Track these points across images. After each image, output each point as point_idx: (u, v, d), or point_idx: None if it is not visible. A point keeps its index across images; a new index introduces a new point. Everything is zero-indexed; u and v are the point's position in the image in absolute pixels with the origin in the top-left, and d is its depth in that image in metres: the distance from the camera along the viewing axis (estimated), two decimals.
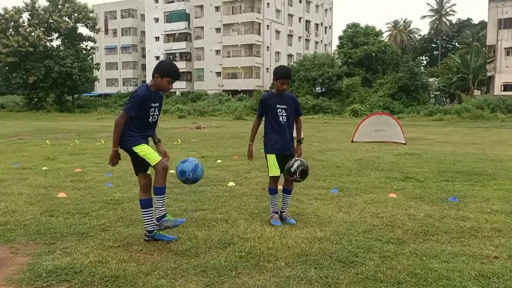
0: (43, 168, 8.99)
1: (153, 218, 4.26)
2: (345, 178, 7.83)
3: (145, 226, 4.30)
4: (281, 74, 4.78)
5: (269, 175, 4.87)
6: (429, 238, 4.37)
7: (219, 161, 10.18)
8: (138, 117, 4.08)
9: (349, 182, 7.42)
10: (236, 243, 4.18)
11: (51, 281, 3.31)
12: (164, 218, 4.13)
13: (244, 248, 4.03)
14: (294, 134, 4.96)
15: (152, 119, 4.21)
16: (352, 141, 15.16)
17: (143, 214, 4.31)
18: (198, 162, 4.36)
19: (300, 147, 4.96)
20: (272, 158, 4.82)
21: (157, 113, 4.27)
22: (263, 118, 4.93)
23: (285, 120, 4.80)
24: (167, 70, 4.14)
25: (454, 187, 6.97)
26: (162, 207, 4.15)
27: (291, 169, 4.64)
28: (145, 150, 4.12)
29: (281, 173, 4.86)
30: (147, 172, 4.32)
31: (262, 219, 5.06)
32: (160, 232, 4.31)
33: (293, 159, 4.73)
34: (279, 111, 4.78)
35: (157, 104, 4.22)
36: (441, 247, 4.08)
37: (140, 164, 4.24)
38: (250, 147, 5.00)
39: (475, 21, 77.02)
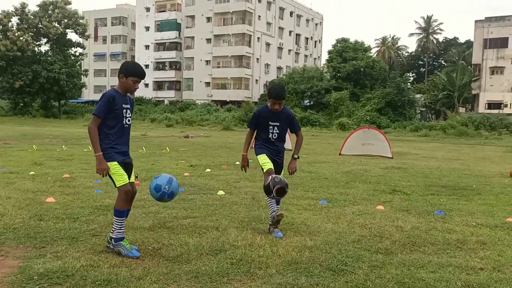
0: (31, 173, 8.92)
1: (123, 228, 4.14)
2: (334, 189, 7.91)
3: (112, 233, 4.12)
4: (273, 94, 4.77)
5: (264, 171, 4.76)
6: (417, 249, 4.46)
7: (208, 170, 10.21)
8: (111, 118, 4.00)
9: (337, 193, 7.50)
10: (227, 250, 4.22)
11: (43, 284, 3.30)
12: (121, 242, 4.02)
13: (235, 255, 4.06)
14: (288, 146, 5.00)
15: (126, 121, 4.12)
16: (340, 154, 15.30)
17: (115, 222, 4.11)
18: (172, 176, 4.20)
19: (294, 162, 4.92)
20: (263, 157, 4.81)
21: (130, 115, 4.17)
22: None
23: (275, 137, 4.83)
24: (131, 69, 4.09)
25: (440, 200, 7.10)
26: (120, 229, 4.04)
27: (269, 187, 4.51)
28: (115, 169, 3.99)
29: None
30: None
31: (253, 227, 5.10)
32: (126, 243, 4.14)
33: (273, 176, 4.57)
34: (271, 128, 4.81)
35: (128, 106, 4.13)
36: (428, 258, 4.16)
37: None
38: (244, 156, 4.97)
39: (461, 40, 78.60)
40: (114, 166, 4.00)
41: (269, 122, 4.80)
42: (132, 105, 4.23)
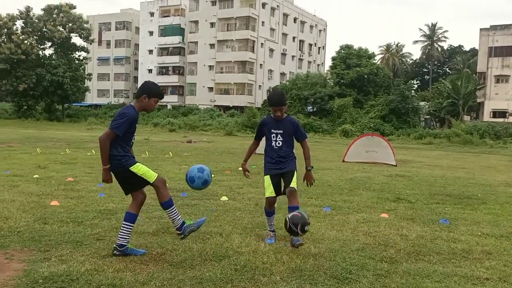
0: (35, 176, 8.94)
1: (130, 234, 4.20)
2: (337, 197, 7.89)
3: (119, 239, 4.14)
4: (273, 101, 4.77)
5: (265, 196, 4.84)
6: (421, 258, 4.44)
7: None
8: (123, 137, 4.09)
9: (341, 201, 7.48)
10: (231, 256, 4.21)
11: (48, 287, 3.29)
12: (185, 225, 4.16)
13: (239, 261, 4.05)
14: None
15: (132, 139, 4.27)
16: (343, 161, 15.28)
17: (122, 226, 4.17)
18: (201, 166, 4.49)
19: (309, 174, 4.84)
20: (267, 179, 4.79)
21: (134, 135, 4.33)
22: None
23: (278, 145, 4.77)
24: (155, 90, 4.21)
25: (445, 209, 7.07)
26: (178, 215, 4.17)
27: (292, 228, 4.25)
28: (142, 169, 4.11)
29: (277, 194, 4.79)
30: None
31: (256, 234, 5.09)
32: (131, 246, 4.22)
33: (288, 218, 4.30)
34: (273, 136, 4.78)
35: (136, 124, 4.28)
36: (433, 267, 4.14)
37: (135, 183, 4.16)
38: (243, 165, 5.06)
39: (466, 48, 78.51)
40: (140, 167, 4.11)
41: (272, 130, 4.79)
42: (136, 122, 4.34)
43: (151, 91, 4.17)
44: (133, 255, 4.11)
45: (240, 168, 11.49)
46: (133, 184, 4.18)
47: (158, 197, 4.15)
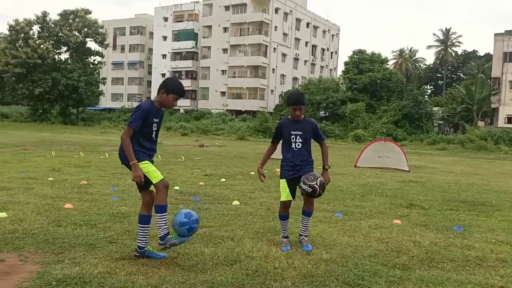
0: (49, 179, 9.05)
1: (147, 235, 4.24)
2: (349, 202, 7.85)
3: (138, 241, 4.24)
4: (293, 100, 4.72)
5: (280, 199, 4.81)
6: (435, 265, 4.39)
7: (223, 179, 10.22)
8: (141, 131, 4.10)
9: (353, 206, 7.44)
10: (242, 261, 4.20)
11: None
12: (168, 236, 4.07)
13: (251, 266, 4.05)
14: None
15: (153, 134, 4.24)
16: (356, 166, 15.20)
17: (139, 229, 4.26)
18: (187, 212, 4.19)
19: (326, 173, 4.82)
20: (283, 183, 4.75)
21: (156, 128, 4.28)
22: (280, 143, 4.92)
23: (298, 147, 4.72)
24: (173, 86, 4.19)
25: (459, 216, 6.98)
26: (165, 225, 4.08)
27: (314, 188, 4.51)
28: (148, 168, 4.12)
29: (293, 198, 4.81)
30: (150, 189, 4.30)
31: (268, 238, 5.08)
32: (151, 249, 4.27)
33: (304, 181, 4.54)
34: (293, 138, 4.72)
35: (157, 120, 4.25)
36: (447, 274, 4.09)
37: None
38: (259, 169, 4.99)
39: (481, 53, 77.80)
40: (146, 165, 4.10)
41: (291, 132, 4.72)
42: (161, 118, 4.34)
43: (169, 87, 4.16)
44: (150, 258, 4.15)
45: (252, 173, 11.56)
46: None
47: (155, 198, 4.14)
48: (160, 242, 4.11)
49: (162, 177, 4.14)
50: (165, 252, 4.29)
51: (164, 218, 4.09)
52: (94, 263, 3.92)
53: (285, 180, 4.75)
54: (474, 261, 4.55)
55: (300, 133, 4.73)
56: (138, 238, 4.24)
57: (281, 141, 4.88)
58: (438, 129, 48.19)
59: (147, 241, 4.25)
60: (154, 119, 4.19)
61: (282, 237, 4.89)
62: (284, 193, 4.75)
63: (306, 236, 4.93)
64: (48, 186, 8.13)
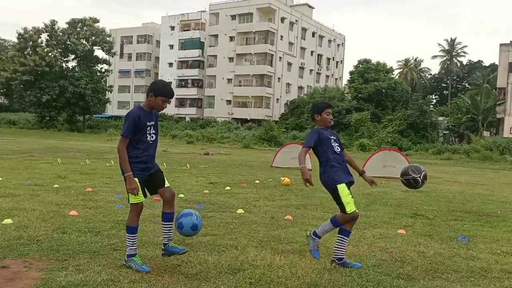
0: (55, 186, 9.10)
1: (170, 232, 4.31)
2: None
3: (162, 239, 4.34)
4: (326, 104, 4.73)
5: (348, 211, 4.31)
6: (439, 276, 4.37)
7: (227, 188, 10.23)
8: (136, 137, 4.09)
9: None
10: (246, 269, 4.21)
11: None
12: (132, 258, 4.10)
13: (254, 275, 4.05)
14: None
15: (150, 138, 4.20)
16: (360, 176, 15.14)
17: (162, 227, 4.33)
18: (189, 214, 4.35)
19: (368, 176, 4.81)
20: (345, 189, 4.38)
21: (154, 131, 4.23)
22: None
23: (338, 150, 4.61)
24: (161, 89, 4.15)
25: (464, 226, 6.95)
26: (133, 246, 4.13)
27: (416, 179, 4.58)
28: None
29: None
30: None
31: (272, 247, 5.08)
32: (173, 244, 4.33)
33: (407, 171, 4.65)
34: (332, 141, 4.61)
35: (152, 123, 4.20)
36: (451, 285, 4.08)
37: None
38: (304, 169, 4.29)
39: (486, 63, 77.57)
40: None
41: (329, 136, 4.63)
42: (156, 120, 4.31)
43: (157, 90, 4.12)
44: (175, 254, 4.28)
45: (258, 181, 11.55)
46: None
47: (128, 217, 4.22)
48: (124, 261, 4.14)
49: (141, 200, 4.12)
50: (183, 246, 4.43)
51: (133, 239, 4.14)
52: (98, 271, 3.93)
53: (344, 184, 4.41)
54: (479, 272, 4.53)
55: (334, 137, 4.70)
56: (163, 235, 4.31)
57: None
58: (443, 139, 48.02)
59: (171, 238, 4.30)
60: (148, 122, 4.15)
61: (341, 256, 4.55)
62: (352, 203, 4.37)
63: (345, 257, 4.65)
64: (54, 193, 8.17)
